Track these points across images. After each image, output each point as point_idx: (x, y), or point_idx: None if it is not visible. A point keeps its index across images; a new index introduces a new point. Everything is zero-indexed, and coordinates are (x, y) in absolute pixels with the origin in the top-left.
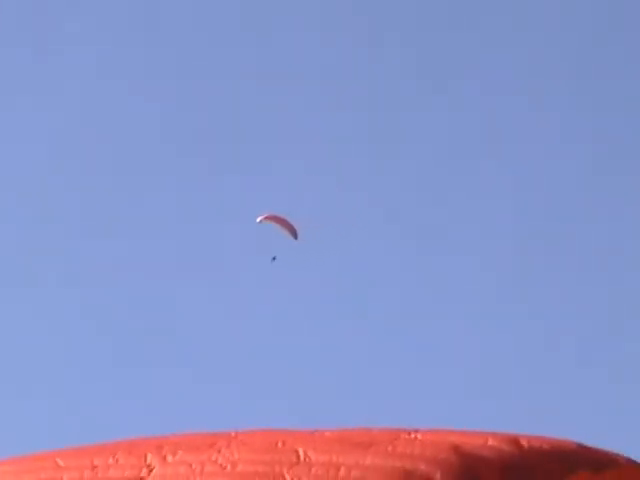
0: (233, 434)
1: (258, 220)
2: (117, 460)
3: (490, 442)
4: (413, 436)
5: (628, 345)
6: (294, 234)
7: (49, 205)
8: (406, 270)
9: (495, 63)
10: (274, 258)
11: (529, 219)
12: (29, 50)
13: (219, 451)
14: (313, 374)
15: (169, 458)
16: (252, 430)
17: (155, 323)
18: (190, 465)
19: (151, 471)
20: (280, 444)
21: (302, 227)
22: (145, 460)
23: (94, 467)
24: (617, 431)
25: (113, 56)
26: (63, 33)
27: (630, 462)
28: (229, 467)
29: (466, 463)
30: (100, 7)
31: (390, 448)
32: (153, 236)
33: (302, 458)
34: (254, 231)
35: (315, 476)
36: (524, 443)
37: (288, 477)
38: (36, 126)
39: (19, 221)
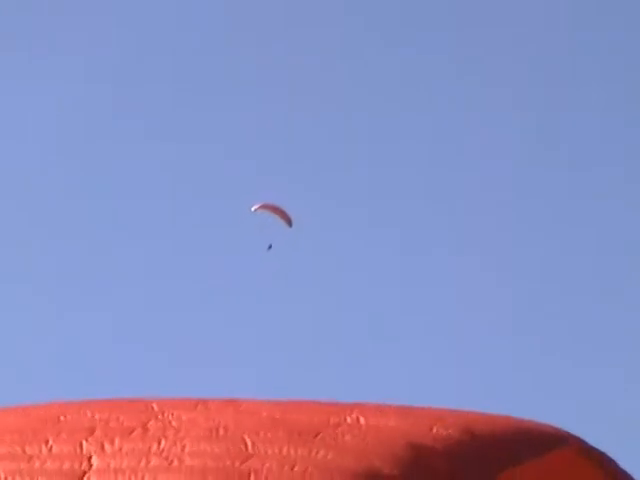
0: (156, 408)
1: (253, 209)
2: (50, 448)
3: (439, 429)
4: (355, 417)
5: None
6: (289, 222)
7: (40, 203)
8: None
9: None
10: (270, 246)
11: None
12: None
13: (159, 441)
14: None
15: (107, 447)
16: (174, 401)
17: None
18: (134, 457)
19: (91, 463)
20: (222, 430)
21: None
22: (81, 449)
23: (30, 458)
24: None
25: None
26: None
27: (578, 441)
28: (176, 461)
29: (418, 455)
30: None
31: (339, 440)
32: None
33: (250, 449)
34: (250, 220)
35: (269, 471)
36: (473, 428)
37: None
38: (30, 124)
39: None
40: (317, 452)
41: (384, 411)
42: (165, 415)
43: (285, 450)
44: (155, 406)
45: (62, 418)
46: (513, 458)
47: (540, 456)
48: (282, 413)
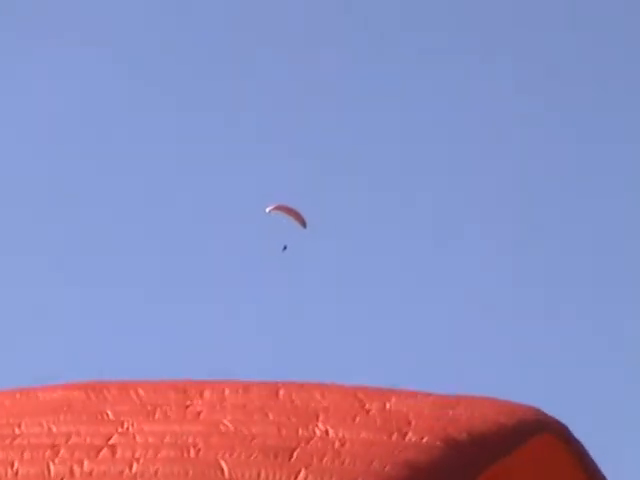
0: (111, 416)
1: (267, 210)
2: (17, 472)
3: (412, 437)
4: (324, 430)
5: None
6: (303, 223)
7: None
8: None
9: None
10: (285, 247)
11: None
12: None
13: (130, 464)
14: None
15: (76, 470)
16: (126, 406)
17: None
18: None
19: None
20: (192, 451)
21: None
22: (49, 471)
23: None
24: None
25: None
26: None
27: (555, 425)
28: None
29: (398, 470)
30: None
31: (315, 459)
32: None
33: (227, 474)
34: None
35: None
36: (449, 429)
37: None
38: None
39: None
40: (296, 475)
41: (349, 415)
42: (125, 427)
43: (264, 474)
44: (110, 414)
45: (17, 430)
46: (492, 456)
47: (518, 447)
48: (247, 425)
